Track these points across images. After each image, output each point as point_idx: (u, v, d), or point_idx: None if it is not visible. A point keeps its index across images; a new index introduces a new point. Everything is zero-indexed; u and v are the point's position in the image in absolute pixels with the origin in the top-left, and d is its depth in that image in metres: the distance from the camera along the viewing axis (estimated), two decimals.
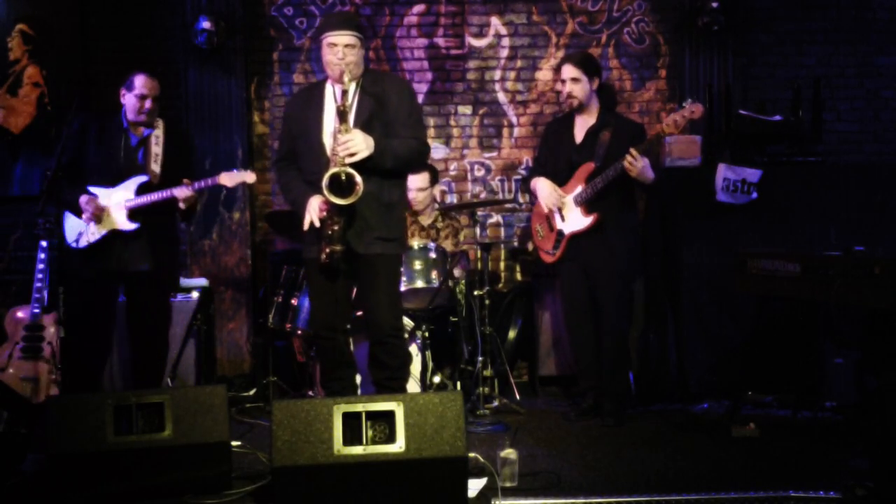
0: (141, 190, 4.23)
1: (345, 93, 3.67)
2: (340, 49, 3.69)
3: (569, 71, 4.46)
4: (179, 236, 4.71)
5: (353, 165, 3.60)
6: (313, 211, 3.70)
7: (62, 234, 4.31)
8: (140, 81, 4.27)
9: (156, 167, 4.30)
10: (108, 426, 3.28)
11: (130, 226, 4.21)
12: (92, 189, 4.23)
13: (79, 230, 4.23)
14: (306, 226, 3.73)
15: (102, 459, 3.27)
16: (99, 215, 4.17)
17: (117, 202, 4.22)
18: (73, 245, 4.26)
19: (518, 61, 5.92)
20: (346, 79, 3.66)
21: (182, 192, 4.18)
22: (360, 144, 3.60)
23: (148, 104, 4.28)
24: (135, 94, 4.26)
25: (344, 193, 3.58)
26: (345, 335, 3.93)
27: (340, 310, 3.86)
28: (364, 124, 3.71)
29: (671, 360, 5.10)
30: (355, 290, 4.07)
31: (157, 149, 4.33)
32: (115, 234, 4.22)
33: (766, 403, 4.79)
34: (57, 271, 4.66)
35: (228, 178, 4.31)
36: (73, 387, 4.24)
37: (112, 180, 4.25)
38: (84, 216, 4.16)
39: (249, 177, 4.37)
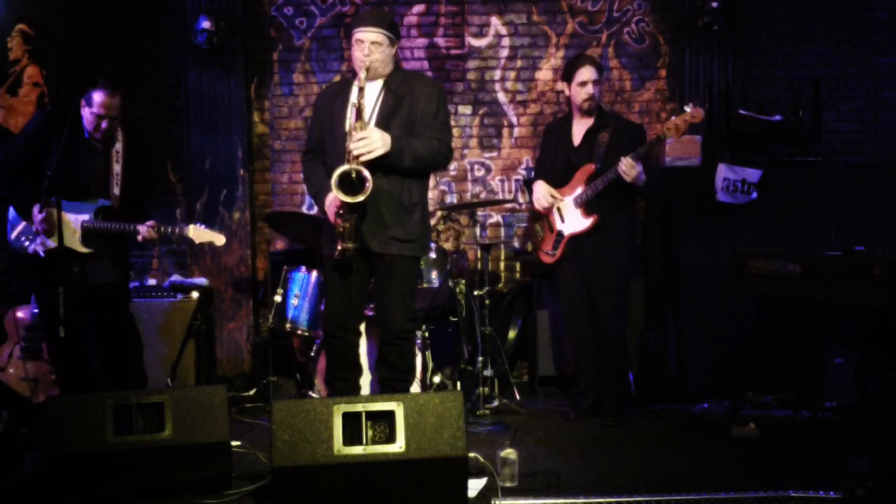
0: (99, 214, 4.15)
1: (361, 90, 3.62)
2: (367, 46, 3.67)
3: (592, 73, 4.42)
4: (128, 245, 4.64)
5: (370, 163, 3.58)
6: (328, 207, 3.71)
7: (5, 230, 4.18)
8: (99, 99, 4.10)
9: (116, 189, 4.20)
10: (107, 426, 3.28)
11: (84, 249, 4.13)
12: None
13: (26, 234, 4.12)
14: (332, 220, 3.71)
15: (102, 459, 3.26)
16: (51, 231, 4.01)
17: (74, 220, 4.13)
18: (16, 246, 4.14)
19: (518, 61, 5.92)
20: (362, 75, 3.63)
21: (146, 231, 4.12)
22: (376, 143, 3.57)
23: (104, 124, 4.14)
24: (92, 112, 4.13)
25: (354, 191, 3.56)
26: (355, 336, 3.93)
27: (353, 310, 3.85)
28: (383, 122, 3.69)
29: (671, 360, 5.10)
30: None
31: (117, 167, 4.21)
32: (66, 251, 4.05)
33: (766, 403, 4.79)
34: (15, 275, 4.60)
35: (196, 234, 4.23)
36: (72, 387, 4.22)
37: (73, 193, 4.12)
38: (36, 228, 4.04)
39: (219, 239, 4.28)
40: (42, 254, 4.10)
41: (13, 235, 4.17)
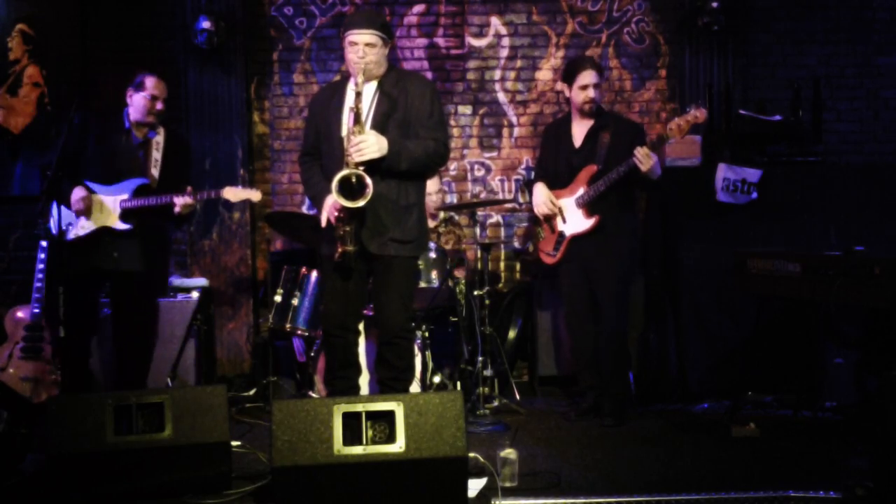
0: (138, 192, 4.21)
1: (358, 94, 3.63)
2: (361, 48, 3.67)
3: (593, 76, 4.42)
4: (171, 240, 4.69)
5: (366, 167, 3.59)
6: (327, 210, 3.71)
7: (48, 224, 4.24)
8: (151, 83, 4.27)
9: (155, 171, 4.29)
10: (108, 426, 3.28)
11: (123, 226, 4.19)
12: (89, 185, 4.20)
13: (68, 221, 4.18)
14: (324, 223, 3.74)
15: (102, 459, 3.27)
16: (89, 209, 4.15)
17: (112, 201, 4.20)
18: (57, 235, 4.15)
19: (518, 61, 5.92)
20: (359, 79, 3.63)
21: (182, 199, 4.15)
22: (373, 146, 3.59)
23: (159, 105, 4.28)
24: (145, 95, 4.25)
25: (354, 196, 3.57)
26: (355, 335, 3.93)
27: (352, 309, 3.86)
28: (379, 125, 3.69)
29: (671, 360, 5.10)
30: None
31: (157, 154, 4.32)
32: (105, 232, 4.19)
33: (766, 403, 4.79)
34: (47, 265, 4.62)
35: (232, 193, 4.26)
36: (70, 386, 4.20)
37: (110, 178, 4.22)
38: (73, 209, 4.13)
39: (255, 195, 4.31)
40: (85, 233, 4.14)
41: (55, 226, 4.18)
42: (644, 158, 4.18)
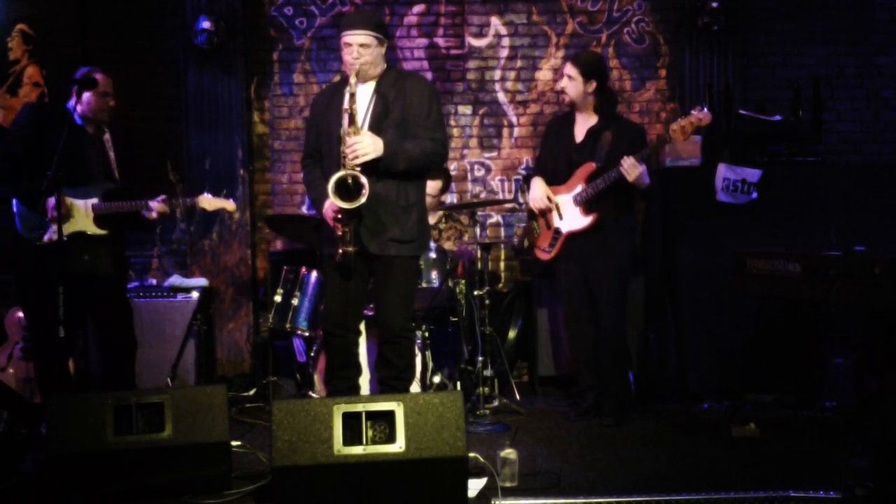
0: (108, 195, 4.14)
1: (352, 95, 3.64)
2: (355, 49, 3.67)
3: (566, 68, 4.49)
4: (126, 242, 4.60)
5: (364, 167, 3.59)
6: (326, 212, 3.73)
7: (14, 225, 4.10)
8: (102, 78, 4.13)
9: (116, 173, 4.23)
10: (108, 426, 3.28)
11: (99, 231, 4.13)
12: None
13: (35, 224, 4.04)
14: (332, 227, 3.74)
15: (102, 459, 3.27)
16: (68, 215, 4.04)
17: (83, 204, 4.12)
18: (30, 238, 4.06)
19: (518, 61, 5.92)
20: (352, 80, 3.64)
21: (157, 205, 4.12)
22: (368, 147, 3.59)
23: (112, 102, 4.19)
24: (98, 93, 4.12)
25: (351, 197, 3.57)
26: (355, 335, 3.93)
27: (353, 309, 3.86)
28: (376, 125, 3.70)
29: (671, 360, 5.10)
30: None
31: (111, 153, 4.25)
32: (77, 236, 4.10)
33: (766, 403, 4.79)
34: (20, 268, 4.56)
35: (207, 202, 4.24)
36: (53, 387, 4.12)
37: (75, 180, 4.09)
38: (51, 216, 3.97)
39: (229, 205, 4.30)
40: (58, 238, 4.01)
41: (23, 227, 4.10)
42: (630, 169, 4.19)
